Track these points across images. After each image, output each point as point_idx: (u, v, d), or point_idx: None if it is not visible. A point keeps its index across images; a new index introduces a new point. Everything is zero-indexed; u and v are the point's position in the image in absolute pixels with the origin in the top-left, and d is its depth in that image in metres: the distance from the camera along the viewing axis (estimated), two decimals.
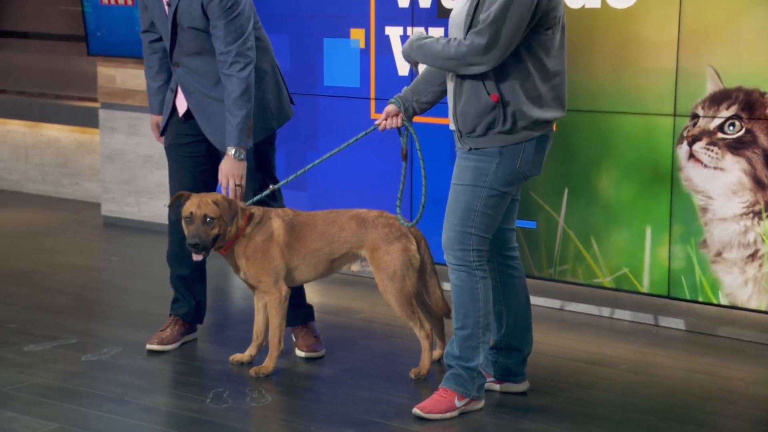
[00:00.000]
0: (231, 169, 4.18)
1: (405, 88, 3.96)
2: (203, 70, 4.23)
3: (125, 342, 4.58)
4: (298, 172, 4.26)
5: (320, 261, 4.18)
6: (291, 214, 4.20)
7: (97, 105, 7.27)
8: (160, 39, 4.36)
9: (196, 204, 4.03)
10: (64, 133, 7.84)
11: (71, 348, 4.51)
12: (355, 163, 5.53)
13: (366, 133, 4.08)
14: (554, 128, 3.79)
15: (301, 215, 4.22)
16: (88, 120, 7.51)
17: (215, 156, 4.40)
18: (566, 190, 4.94)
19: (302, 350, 4.41)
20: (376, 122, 3.99)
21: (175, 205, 4.21)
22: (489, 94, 3.58)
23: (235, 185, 4.19)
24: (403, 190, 4.08)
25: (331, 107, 5.67)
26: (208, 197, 4.04)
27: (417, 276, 4.14)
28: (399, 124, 3.96)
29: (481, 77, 3.60)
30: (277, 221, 4.16)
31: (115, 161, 7.03)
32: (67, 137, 7.83)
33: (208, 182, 4.40)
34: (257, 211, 4.17)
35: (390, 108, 3.95)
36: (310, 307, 4.51)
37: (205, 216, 4.01)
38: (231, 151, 4.16)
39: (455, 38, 3.58)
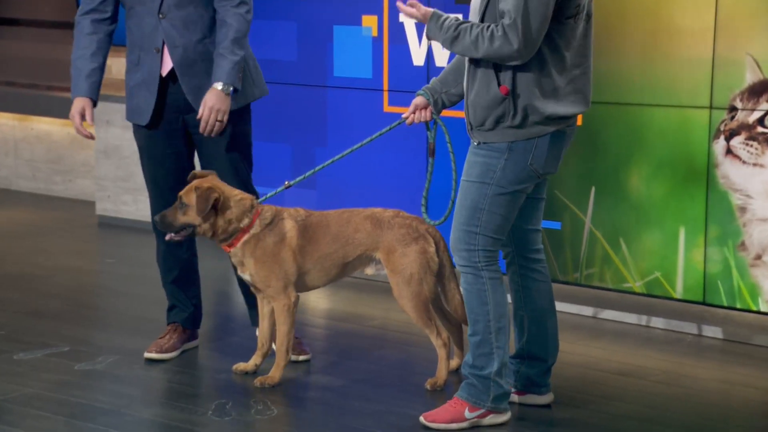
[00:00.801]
0: (216, 102, 4.21)
1: (433, 79, 3.95)
2: (190, 21, 4.29)
3: (122, 350, 4.59)
4: (315, 169, 4.25)
5: (333, 265, 4.18)
6: (303, 215, 4.20)
7: None
8: (107, 19, 4.41)
9: (188, 186, 4.11)
10: (56, 126, 7.86)
11: (64, 356, 4.52)
12: (368, 158, 5.53)
13: (392, 128, 4.07)
14: (578, 123, 3.77)
15: (314, 215, 4.22)
16: None
17: (192, 150, 4.47)
18: (593, 189, 4.93)
19: (295, 354, 4.40)
20: (404, 116, 3.97)
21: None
22: (499, 84, 3.57)
23: (216, 120, 4.22)
24: (429, 188, 4.06)
25: (341, 99, 5.67)
26: (196, 183, 4.10)
27: (435, 280, 4.14)
28: (428, 118, 3.95)
29: (493, 67, 3.58)
30: (289, 222, 4.15)
31: (111, 157, 7.04)
32: (60, 131, 7.84)
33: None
34: (268, 209, 4.16)
35: (418, 100, 3.94)
36: None
37: (181, 198, 4.08)
38: (219, 85, 4.21)
39: (485, 31, 3.53)
